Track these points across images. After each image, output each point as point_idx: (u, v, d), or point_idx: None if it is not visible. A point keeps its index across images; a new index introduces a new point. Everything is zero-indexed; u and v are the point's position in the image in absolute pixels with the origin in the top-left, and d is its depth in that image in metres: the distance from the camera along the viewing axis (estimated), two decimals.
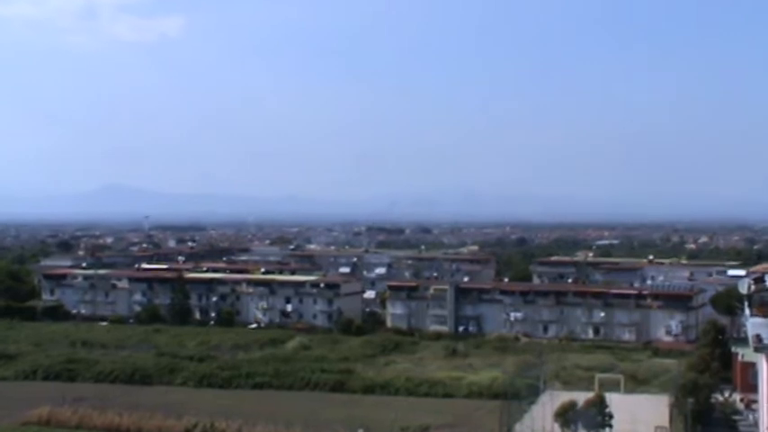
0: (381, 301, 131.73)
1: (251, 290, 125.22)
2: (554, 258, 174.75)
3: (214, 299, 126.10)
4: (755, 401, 55.43)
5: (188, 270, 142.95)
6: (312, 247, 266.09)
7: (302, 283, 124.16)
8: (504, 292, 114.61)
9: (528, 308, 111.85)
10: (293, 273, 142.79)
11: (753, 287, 41.08)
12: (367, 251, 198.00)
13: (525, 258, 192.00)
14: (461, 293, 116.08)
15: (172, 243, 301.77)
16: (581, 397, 54.47)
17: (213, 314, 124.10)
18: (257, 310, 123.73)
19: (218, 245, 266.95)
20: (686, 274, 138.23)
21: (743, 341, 67.16)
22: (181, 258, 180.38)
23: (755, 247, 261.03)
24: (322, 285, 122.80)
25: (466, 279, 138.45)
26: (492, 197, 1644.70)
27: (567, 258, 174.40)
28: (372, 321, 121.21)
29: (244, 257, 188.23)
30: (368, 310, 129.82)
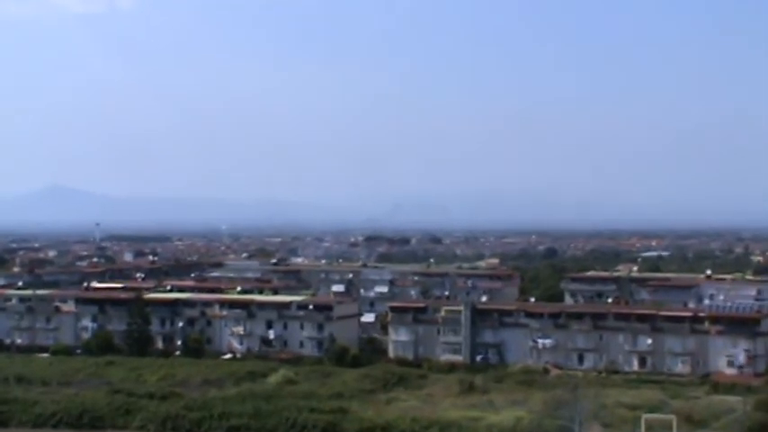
0: (382, 325, 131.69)
1: (225, 313, 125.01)
2: (590, 273, 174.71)
3: (180, 324, 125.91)
4: None
5: (148, 289, 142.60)
6: (299, 260, 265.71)
7: (287, 305, 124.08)
8: (530, 315, 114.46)
9: (559, 333, 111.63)
10: (276, 292, 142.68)
11: None
12: (365, 265, 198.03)
13: (555, 273, 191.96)
14: (479, 316, 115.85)
15: (128, 257, 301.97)
16: None
17: (179, 342, 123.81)
18: (232, 338, 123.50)
19: (185, 258, 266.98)
20: (753, 292, 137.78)
21: None
22: (139, 275, 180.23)
23: None
24: (311, 307, 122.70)
25: (484, 299, 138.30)
26: (515, 201, 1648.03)
27: (606, 273, 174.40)
28: (371, 350, 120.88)
29: (216, 274, 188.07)
30: (366, 336, 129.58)
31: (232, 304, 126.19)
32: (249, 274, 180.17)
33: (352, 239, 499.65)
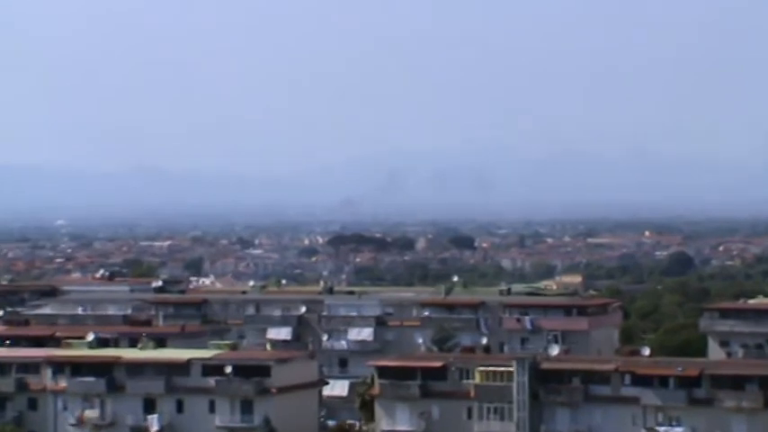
0: (363, 402, 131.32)
1: (63, 384, 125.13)
2: (758, 302, 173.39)
3: None
4: None
5: None
6: (207, 282, 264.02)
7: (183, 367, 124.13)
8: (642, 380, 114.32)
9: (699, 414, 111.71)
10: (162, 342, 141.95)
11: None
12: (330, 290, 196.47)
13: (690, 302, 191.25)
14: (545, 383, 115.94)
15: None
16: None
17: None
18: (78, 429, 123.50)
19: None
20: None
21: None
22: None
23: None
24: (228, 370, 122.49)
25: (555, 350, 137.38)
26: (614, 170, 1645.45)
27: None
28: None
29: (47, 310, 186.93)
30: (332, 423, 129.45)
31: (77, 367, 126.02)
32: (112, 310, 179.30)
33: (308, 241, 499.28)
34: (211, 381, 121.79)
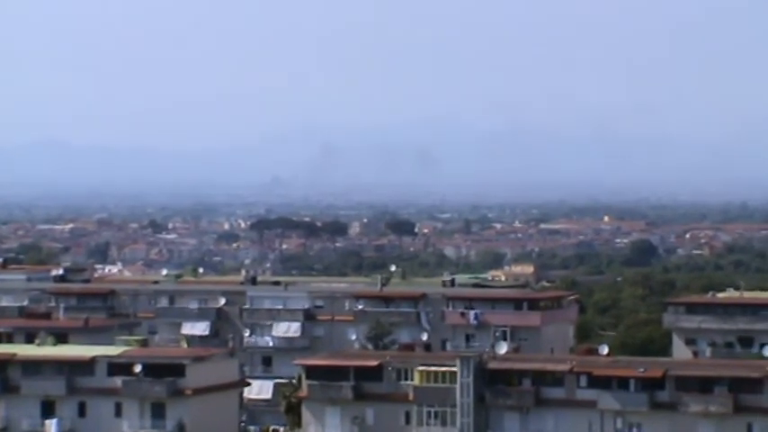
0: (289, 406, 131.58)
1: None
2: (726, 296, 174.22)
3: None
4: None
5: None
6: (114, 270, 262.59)
7: (86, 365, 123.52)
8: (600, 382, 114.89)
9: (662, 420, 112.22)
10: (63, 338, 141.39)
11: None
12: (254, 280, 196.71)
13: (653, 294, 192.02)
14: (491, 384, 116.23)
15: None
16: None
17: None
18: None
19: None
20: None
21: None
22: None
23: None
24: (138, 370, 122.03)
25: (504, 348, 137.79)
26: (562, 141, 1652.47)
27: (763, 296, 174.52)
28: None
29: None
30: (254, 429, 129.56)
31: None
32: (6, 302, 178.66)
33: (228, 225, 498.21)
34: (118, 381, 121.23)
